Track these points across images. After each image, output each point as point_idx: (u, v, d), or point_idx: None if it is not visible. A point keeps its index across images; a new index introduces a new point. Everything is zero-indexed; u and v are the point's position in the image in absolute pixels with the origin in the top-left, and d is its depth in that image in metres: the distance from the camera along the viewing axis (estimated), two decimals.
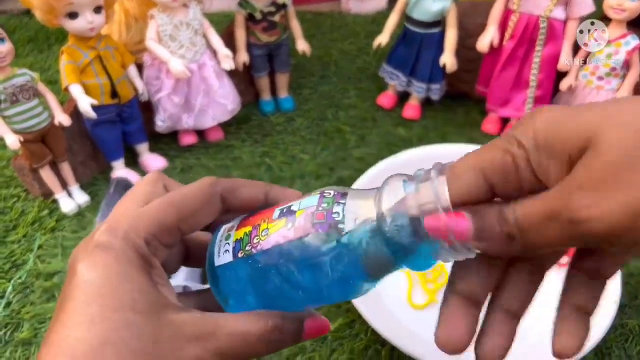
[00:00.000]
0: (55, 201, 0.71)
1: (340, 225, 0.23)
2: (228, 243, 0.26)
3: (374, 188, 0.23)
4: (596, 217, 0.17)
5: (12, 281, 0.62)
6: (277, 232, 0.24)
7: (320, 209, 0.24)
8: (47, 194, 0.71)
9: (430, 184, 0.21)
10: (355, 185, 0.65)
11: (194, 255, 0.28)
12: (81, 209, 0.71)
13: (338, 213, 0.23)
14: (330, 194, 0.24)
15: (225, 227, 0.27)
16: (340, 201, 0.24)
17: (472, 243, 0.20)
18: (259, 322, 0.23)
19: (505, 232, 0.20)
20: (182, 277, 0.57)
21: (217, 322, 0.23)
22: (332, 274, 0.23)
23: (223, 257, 0.26)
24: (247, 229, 0.26)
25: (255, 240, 0.25)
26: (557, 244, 0.19)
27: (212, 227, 0.27)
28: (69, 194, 0.72)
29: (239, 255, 0.25)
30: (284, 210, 0.25)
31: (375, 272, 0.24)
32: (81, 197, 0.72)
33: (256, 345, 0.23)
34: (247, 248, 0.25)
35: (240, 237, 0.25)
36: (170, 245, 0.25)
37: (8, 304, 0.59)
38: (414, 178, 0.22)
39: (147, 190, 0.25)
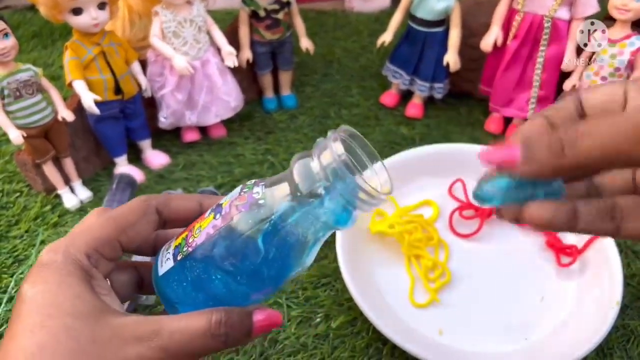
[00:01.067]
0: (57, 196, 0.71)
1: (261, 202, 0.25)
2: (169, 252, 0.27)
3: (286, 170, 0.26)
4: None
5: (14, 276, 0.62)
6: (207, 225, 0.26)
7: (242, 193, 0.26)
8: (50, 189, 0.72)
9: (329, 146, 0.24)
10: None
11: (148, 282, 0.29)
12: (84, 205, 0.72)
13: (258, 192, 0.25)
14: (251, 182, 0.26)
15: (166, 245, 0.28)
16: (260, 184, 0.26)
17: (520, 168, 0.21)
18: (202, 318, 0.24)
19: (554, 141, 0.21)
20: None
21: (160, 321, 0.23)
22: (262, 249, 0.24)
23: (165, 265, 0.27)
24: (184, 234, 0.27)
25: (190, 240, 0.26)
26: (614, 155, 0.20)
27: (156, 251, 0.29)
28: (72, 190, 0.72)
29: (178, 258, 0.26)
30: (214, 207, 0.27)
31: (299, 238, 0.25)
32: (84, 193, 0.72)
33: (202, 340, 0.23)
34: (184, 249, 0.26)
35: (179, 243, 0.27)
36: (113, 258, 0.26)
37: (10, 299, 0.59)
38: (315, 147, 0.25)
39: (90, 217, 0.28)
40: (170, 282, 0.26)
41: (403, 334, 0.52)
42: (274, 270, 0.25)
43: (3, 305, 0.59)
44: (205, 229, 0.26)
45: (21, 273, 0.62)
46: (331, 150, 0.24)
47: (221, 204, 0.26)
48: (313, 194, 0.24)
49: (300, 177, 0.24)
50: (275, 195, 0.25)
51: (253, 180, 0.26)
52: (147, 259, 0.30)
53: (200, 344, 0.23)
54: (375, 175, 0.25)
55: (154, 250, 0.29)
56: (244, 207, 0.25)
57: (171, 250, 0.27)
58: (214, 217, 0.26)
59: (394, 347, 0.54)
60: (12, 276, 0.62)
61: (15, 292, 0.60)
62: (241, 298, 0.26)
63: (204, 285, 0.25)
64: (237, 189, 0.26)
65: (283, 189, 0.25)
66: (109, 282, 0.27)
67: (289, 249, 0.25)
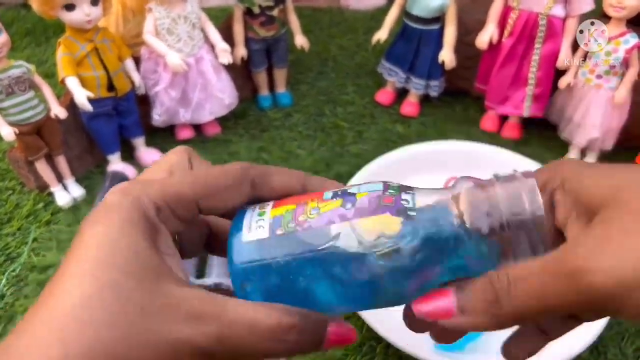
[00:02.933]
0: (50, 194, 0.71)
1: (411, 213, 0.21)
2: (262, 219, 0.23)
3: (442, 188, 0.23)
4: (601, 269, 0.17)
5: (6, 274, 0.61)
6: (331, 210, 0.22)
7: (387, 194, 0.22)
8: (43, 187, 0.71)
9: (520, 187, 0.21)
10: (352, 181, 0.64)
11: (218, 241, 0.26)
12: (77, 202, 0.71)
13: (407, 201, 0.22)
14: (394, 184, 0.23)
15: (254, 206, 0.24)
16: (408, 192, 0.22)
17: (456, 320, 0.20)
18: (273, 315, 0.20)
19: (487, 289, 0.19)
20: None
21: (225, 304, 0.20)
22: (391, 263, 0.21)
23: (255, 232, 0.23)
24: (290, 206, 0.23)
25: (301, 218, 0.22)
26: (549, 304, 0.18)
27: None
28: (65, 187, 0.72)
29: (278, 232, 0.22)
30: (339, 193, 0.23)
31: (430, 268, 0.21)
32: (77, 191, 0.72)
33: (265, 341, 0.20)
34: (289, 225, 0.22)
35: (281, 214, 0.23)
36: (185, 219, 0.23)
37: (2, 296, 0.59)
38: (495, 179, 0.21)
39: (171, 159, 0.24)
40: (254, 254, 0.22)
41: (396, 332, 0.52)
42: (387, 291, 0.22)
43: None
44: (327, 214, 0.22)
45: (13, 270, 0.62)
46: (526, 197, 0.20)
47: (354, 194, 0.22)
48: (477, 230, 0.21)
49: (472, 209, 0.21)
50: (428, 214, 0.21)
51: (396, 184, 0.23)
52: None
53: (262, 344, 0.20)
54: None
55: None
56: (390, 210, 0.21)
57: (267, 218, 0.23)
58: (343, 206, 0.22)
59: (388, 346, 0.53)
60: (3, 274, 0.61)
61: (7, 290, 0.60)
62: (323, 304, 0.22)
63: (295, 274, 0.22)
64: (378, 185, 0.23)
65: (443, 211, 0.21)
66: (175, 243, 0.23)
67: (413, 276, 0.21)
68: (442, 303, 0.20)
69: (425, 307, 0.21)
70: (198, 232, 0.26)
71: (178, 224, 0.22)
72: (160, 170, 0.23)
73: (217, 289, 0.25)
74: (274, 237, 0.22)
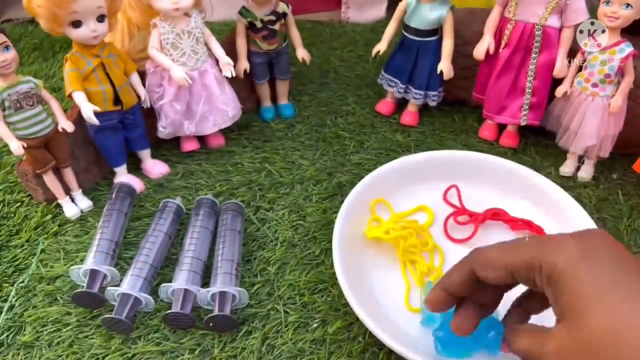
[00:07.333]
0: (58, 206, 0.72)
1: None
2: None
3: None
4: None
5: (15, 285, 0.62)
6: None
7: None
8: (51, 199, 0.72)
9: None
10: (355, 190, 0.65)
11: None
12: (84, 214, 0.73)
13: None
14: None
15: None
16: None
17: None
18: None
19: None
20: (184, 280, 0.58)
21: None
22: None
23: None
24: None
25: None
26: None
27: None
28: (72, 199, 0.73)
29: None
30: None
31: None
32: (84, 203, 0.73)
33: None
34: None
35: None
36: None
37: (11, 307, 0.60)
38: None
39: None
40: None
41: (399, 339, 0.52)
42: None
43: (4, 314, 0.59)
44: None
45: (22, 282, 0.63)
46: None
47: None
48: None
49: None
50: None
51: None
52: None
53: None
54: None
55: None
56: None
57: None
58: None
59: (390, 352, 0.54)
60: (12, 285, 0.62)
61: (16, 300, 0.61)
62: None
63: None
64: None
65: None
66: None
67: None
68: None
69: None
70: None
71: None
72: None
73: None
74: None
